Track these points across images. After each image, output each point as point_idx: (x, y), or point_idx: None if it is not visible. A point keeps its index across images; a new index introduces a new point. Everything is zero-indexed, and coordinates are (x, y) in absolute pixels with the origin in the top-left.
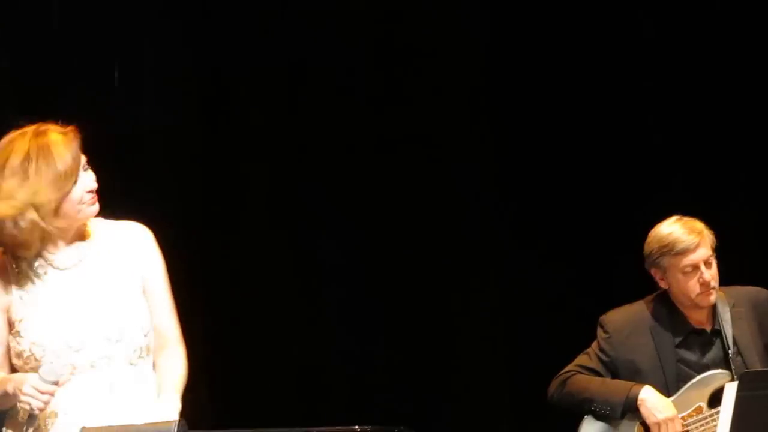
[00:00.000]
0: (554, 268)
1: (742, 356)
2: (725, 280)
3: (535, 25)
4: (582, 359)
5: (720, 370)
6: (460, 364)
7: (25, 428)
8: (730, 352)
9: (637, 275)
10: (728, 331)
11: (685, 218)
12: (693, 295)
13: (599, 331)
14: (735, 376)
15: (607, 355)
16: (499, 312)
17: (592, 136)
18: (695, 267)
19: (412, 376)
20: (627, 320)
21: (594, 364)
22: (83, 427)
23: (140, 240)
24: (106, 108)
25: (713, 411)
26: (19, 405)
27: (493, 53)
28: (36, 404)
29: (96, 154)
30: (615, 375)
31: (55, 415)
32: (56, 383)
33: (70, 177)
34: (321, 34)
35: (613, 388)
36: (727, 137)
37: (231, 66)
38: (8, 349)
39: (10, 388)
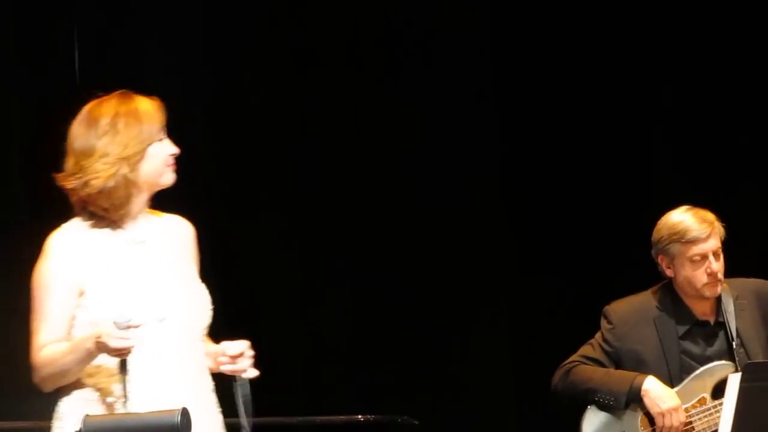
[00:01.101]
0: (558, 259)
1: (745, 348)
2: (729, 272)
3: (537, 35)
4: (585, 350)
5: (723, 362)
6: (464, 353)
7: (123, 379)
8: (733, 343)
9: (641, 266)
10: (732, 323)
11: (696, 208)
12: (699, 285)
13: (603, 322)
14: (738, 368)
15: (611, 346)
16: (503, 302)
17: (598, 132)
18: (704, 257)
19: (416, 366)
20: (631, 311)
21: (597, 354)
22: (86, 414)
23: (192, 234)
24: None
25: (717, 402)
26: (107, 356)
27: (498, 69)
28: (126, 344)
29: None
30: (618, 365)
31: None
32: (130, 326)
33: (155, 133)
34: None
35: (616, 378)
36: (732, 133)
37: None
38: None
39: (90, 345)
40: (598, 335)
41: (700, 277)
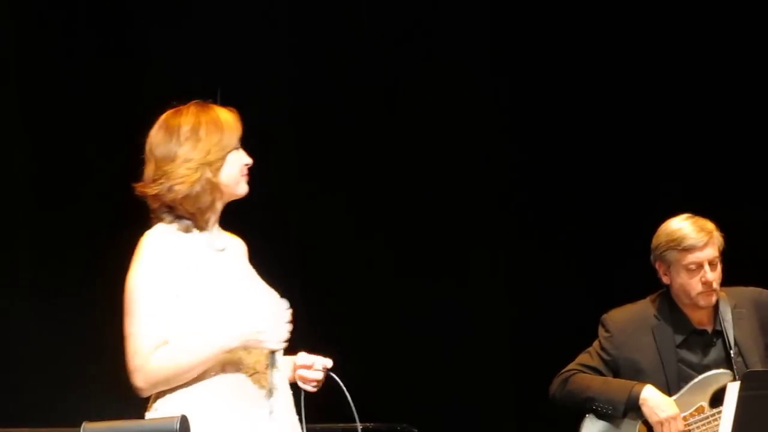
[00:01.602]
0: (557, 266)
1: (743, 356)
2: (728, 280)
3: (540, 25)
4: (583, 358)
5: (721, 370)
6: (463, 362)
7: (270, 367)
8: (731, 352)
9: (640, 275)
10: (730, 332)
11: (697, 217)
12: (693, 294)
13: (601, 330)
14: (736, 376)
15: (609, 354)
16: (502, 310)
17: (599, 139)
18: (699, 265)
19: (415, 373)
20: (629, 319)
21: (595, 362)
22: (85, 423)
23: (247, 251)
24: None
25: (715, 411)
26: (258, 348)
27: (500, 49)
28: (281, 336)
29: None
30: (616, 374)
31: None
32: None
33: (234, 141)
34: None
35: (614, 387)
36: (733, 137)
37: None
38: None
39: (231, 341)
40: (595, 343)
41: (695, 285)
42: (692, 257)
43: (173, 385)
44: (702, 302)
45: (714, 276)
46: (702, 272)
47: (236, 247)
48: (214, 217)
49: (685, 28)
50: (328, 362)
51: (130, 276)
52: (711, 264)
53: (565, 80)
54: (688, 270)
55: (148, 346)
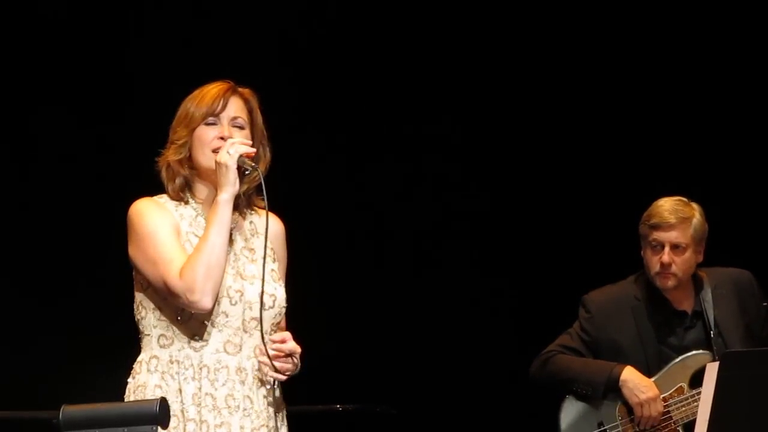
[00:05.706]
0: (538, 251)
1: (722, 337)
2: (708, 261)
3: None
4: (563, 339)
5: (701, 351)
6: (441, 345)
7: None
8: (711, 333)
9: (620, 258)
10: (710, 312)
11: (687, 202)
12: (652, 272)
13: (581, 311)
14: (716, 357)
15: (589, 335)
16: (481, 293)
17: (582, 125)
18: (662, 245)
19: (395, 355)
20: (609, 300)
21: (576, 344)
22: (64, 405)
23: (281, 232)
24: None
25: (694, 391)
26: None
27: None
28: None
29: None
30: (596, 355)
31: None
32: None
33: (196, 118)
34: None
35: (594, 368)
36: (723, 131)
37: None
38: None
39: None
40: (576, 324)
41: (654, 264)
42: (656, 235)
43: (221, 273)
44: (658, 282)
45: (676, 260)
46: (663, 253)
47: (250, 229)
48: (206, 192)
49: (673, 22)
50: (297, 348)
51: (133, 235)
52: (675, 247)
53: (549, 71)
54: (652, 247)
55: (176, 268)
